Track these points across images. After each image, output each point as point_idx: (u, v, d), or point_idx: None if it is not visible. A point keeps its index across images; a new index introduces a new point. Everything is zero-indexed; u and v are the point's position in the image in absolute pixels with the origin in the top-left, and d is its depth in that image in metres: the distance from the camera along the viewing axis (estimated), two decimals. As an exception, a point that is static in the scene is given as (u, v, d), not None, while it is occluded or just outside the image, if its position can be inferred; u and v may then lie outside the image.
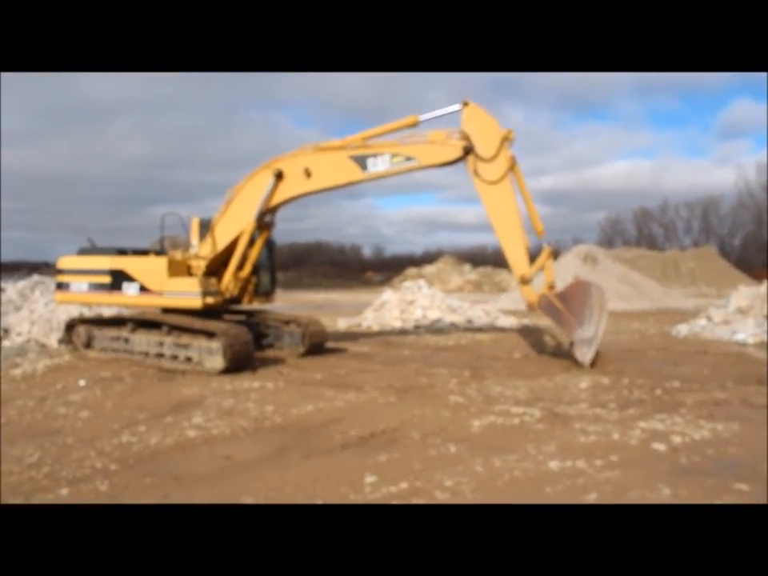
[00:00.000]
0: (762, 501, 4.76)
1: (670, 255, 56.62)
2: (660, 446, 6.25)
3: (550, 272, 11.40)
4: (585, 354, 10.61)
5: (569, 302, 10.92)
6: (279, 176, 11.97)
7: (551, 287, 11.27)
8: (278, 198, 12.17)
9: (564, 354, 12.91)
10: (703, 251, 57.65)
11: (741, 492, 4.93)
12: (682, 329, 17.18)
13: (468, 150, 11.09)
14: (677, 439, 6.49)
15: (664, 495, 4.89)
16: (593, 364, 10.72)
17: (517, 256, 11.12)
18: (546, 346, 14.39)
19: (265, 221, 12.63)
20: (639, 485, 5.13)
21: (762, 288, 16.77)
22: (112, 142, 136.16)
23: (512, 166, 11.07)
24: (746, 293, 17.05)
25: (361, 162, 11.52)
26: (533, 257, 11.36)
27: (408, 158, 11.30)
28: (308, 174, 11.83)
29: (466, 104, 11.24)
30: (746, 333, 15.12)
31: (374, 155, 11.44)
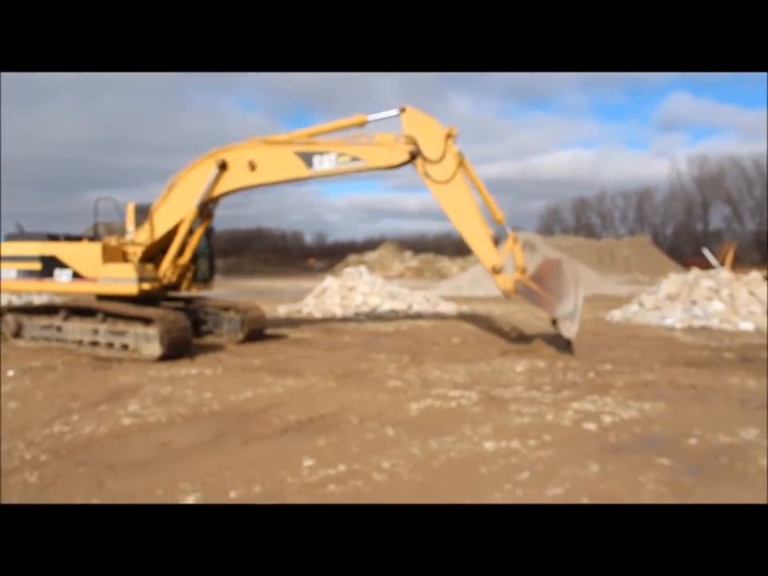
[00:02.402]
0: (681, 473, 5.01)
1: (606, 243, 58.15)
2: (591, 426, 6.47)
3: (519, 256, 11.39)
4: (570, 329, 10.71)
5: (544, 282, 11.00)
6: (223, 166, 11.77)
7: (523, 271, 11.29)
8: (220, 189, 11.98)
9: (503, 339, 13.20)
10: (637, 240, 59.44)
11: (663, 466, 5.17)
12: (616, 314, 17.75)
13: (414, 155, 11.12)
14: (607, 419, 6.72)
15: (593, 472, 5.07)
16: (571, 348, 10.99)
17: (483, 248, 11.17)
18: (484, 332, 14.65)
19: (206, 210, 12.45)
20: (570, 462, 5.31)
21: (690, 275, 17.45)
22: (46, 123, 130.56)
23: (461, 162, 11.12)
24: (675, 280, 17.70)
25: (307, 159, 11.42)
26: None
27: (354, 159, 11.25)
28: (252, 167, 11.68)
29: (402, 110, 11.25)
30: (675, 318, 15.75)
31: (321, 153, 11.35)
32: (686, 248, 67.36)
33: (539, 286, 10.93)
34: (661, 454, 5.47)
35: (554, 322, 11.29)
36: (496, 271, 11.07)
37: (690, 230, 76.73)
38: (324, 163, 11.36)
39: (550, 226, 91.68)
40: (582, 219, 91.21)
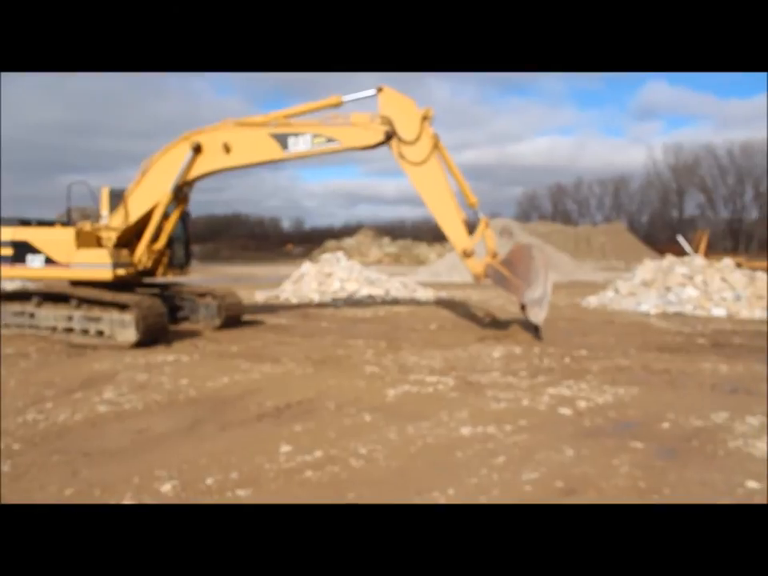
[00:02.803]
0: (653, 456, 5.09)
1: (582, 230, 58.65)
2: (566, 411, 6.54)
3: (491, 241, 11.46)
4: (537, 315, 10.82)
5: (514, 267, 11.02)
6: (197, 149, 11.62)
7: (494, 255, 11.34)
8: (195, 172, 11.85)
9: (480, 325, 13.27)
10: (613, 227, 60.02)
11: (636, 450, 5.25)
12: (592, 300, 17.93)
13: (390, 135, 11.05)
14: (582, 404, 6.80)
15: (567, 456, 5.13)
16: (539, 333, 11.10)
17: (455, 232, 11.15)
18: (461, 318, 14.71)
19: (181, 193, 12.31)
20: (545, 447, 5.37)
21: (665, 262, 17.66)
22: (15, 104, 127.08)
23: (436, 144, 11.08)
24: (650, 266, 17.92)
25: (282, 140, 11.30)
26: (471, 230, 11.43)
27: (330, 140, 11.15)
28: (227, 149, 11.55)
29: (380, 89, 11.17)
30: (649, 304, 15.95)
31: (296, 134, 11.24)
32: (661, 235, 68.10)
33: (509, 271, 10.98)
34: (634, 438, 5.55)
35: (523, 308, 11.35)
36: (466, 255, 11.10)
37: (665, 217, 77.62)
38: (299, 144, 11.26)
39: (527, 212, 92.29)
40: (559, 206, 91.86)
